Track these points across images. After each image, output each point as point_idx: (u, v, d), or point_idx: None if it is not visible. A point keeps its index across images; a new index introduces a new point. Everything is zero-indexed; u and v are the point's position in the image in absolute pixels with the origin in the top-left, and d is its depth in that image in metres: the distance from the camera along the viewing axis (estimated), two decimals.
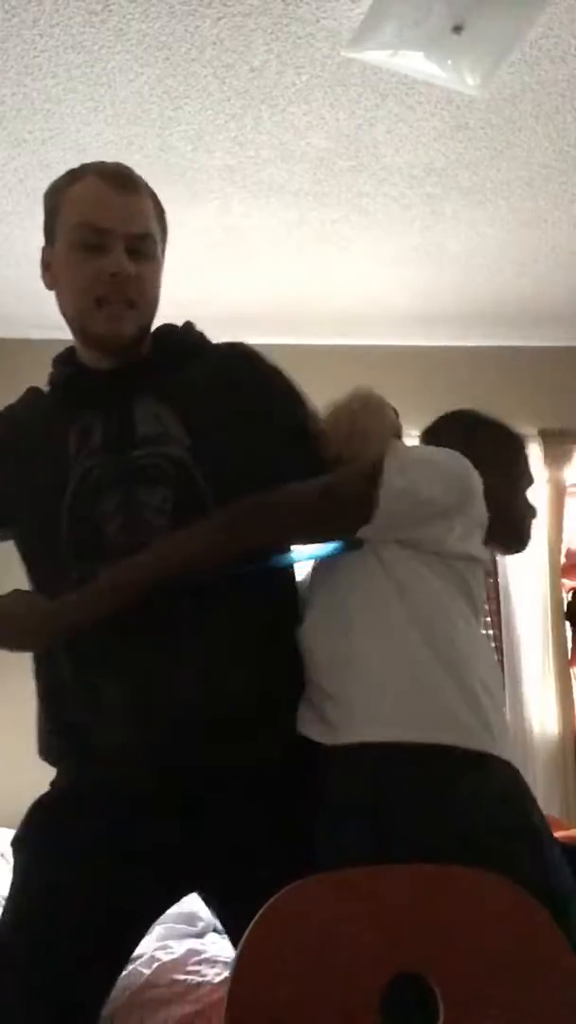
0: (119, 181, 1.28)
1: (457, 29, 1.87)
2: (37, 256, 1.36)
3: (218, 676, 1.21)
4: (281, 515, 1.26)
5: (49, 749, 1.32)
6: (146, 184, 1.32)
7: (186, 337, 1.40)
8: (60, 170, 1.34)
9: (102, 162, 1.32)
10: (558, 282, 3.51)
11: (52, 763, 1.33)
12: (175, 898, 1.32)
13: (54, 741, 1.31)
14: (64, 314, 1.33)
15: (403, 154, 2.66)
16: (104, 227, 1.25)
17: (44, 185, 1.35)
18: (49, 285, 1.34)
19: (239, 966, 0.92)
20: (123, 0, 2.06)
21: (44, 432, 1.33)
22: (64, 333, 1.37)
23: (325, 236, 3.11)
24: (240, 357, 1.38)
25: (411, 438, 1.68)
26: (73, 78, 2.30)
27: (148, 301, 1.31)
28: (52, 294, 1.35)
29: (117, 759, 1.23)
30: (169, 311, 1.39)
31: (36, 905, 1.21)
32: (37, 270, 1.36)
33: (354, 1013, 0.92)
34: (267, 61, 2.26)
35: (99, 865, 1.20)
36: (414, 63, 1.99)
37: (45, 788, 1.33)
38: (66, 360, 1.39)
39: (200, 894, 1.34)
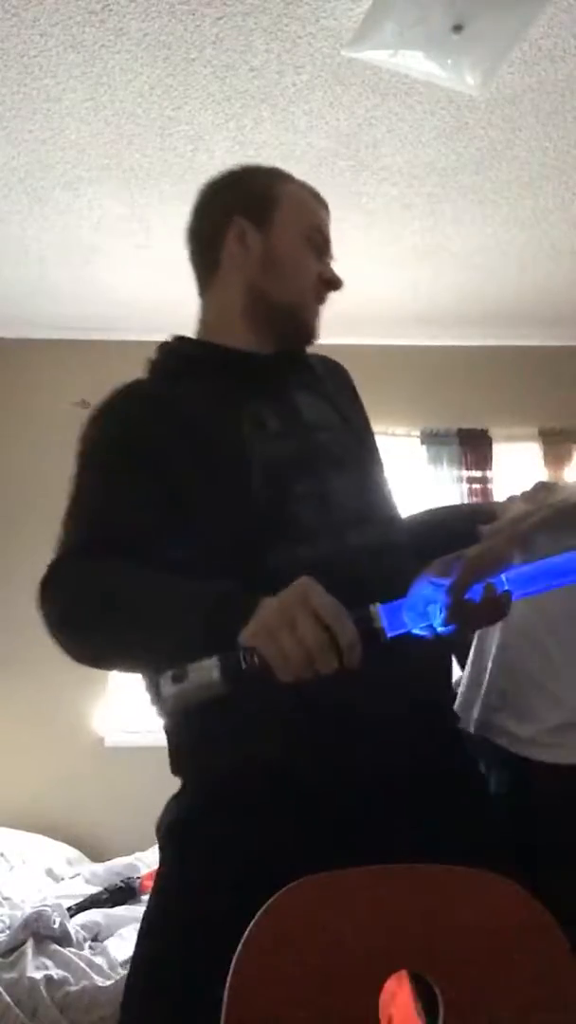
0: (321, 200, 1.39)
1: (457, 29, 1.87)
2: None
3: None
4: None
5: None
6: None
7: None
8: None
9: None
10: (558, 282, 3.51)
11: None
12: None
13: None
14: (269, 294, 1.32)
15: (403, 154, 2.66)
16: (329, 237, 1.36)
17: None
18: (237, 256, 1.32)
19: (239, 966, 0.92)
20: (123, 0, 2.06)
21: (208, 415, 1.25)
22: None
23: None
24: (344, 371, 1.48)
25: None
26: (73, 77, 2.30)
27: None
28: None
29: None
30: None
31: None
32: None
33: (354, 1013, 0.92)
34: (267, 61, 2.26)
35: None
36: (414, 63, 1.99)
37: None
38: (204, 344, 1.34)
39: None
